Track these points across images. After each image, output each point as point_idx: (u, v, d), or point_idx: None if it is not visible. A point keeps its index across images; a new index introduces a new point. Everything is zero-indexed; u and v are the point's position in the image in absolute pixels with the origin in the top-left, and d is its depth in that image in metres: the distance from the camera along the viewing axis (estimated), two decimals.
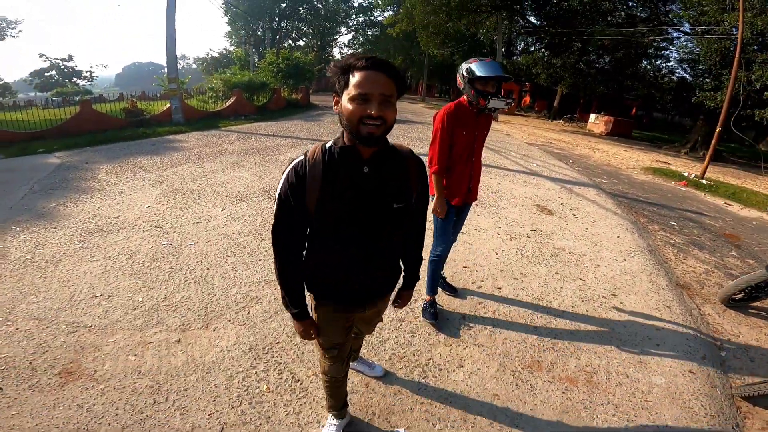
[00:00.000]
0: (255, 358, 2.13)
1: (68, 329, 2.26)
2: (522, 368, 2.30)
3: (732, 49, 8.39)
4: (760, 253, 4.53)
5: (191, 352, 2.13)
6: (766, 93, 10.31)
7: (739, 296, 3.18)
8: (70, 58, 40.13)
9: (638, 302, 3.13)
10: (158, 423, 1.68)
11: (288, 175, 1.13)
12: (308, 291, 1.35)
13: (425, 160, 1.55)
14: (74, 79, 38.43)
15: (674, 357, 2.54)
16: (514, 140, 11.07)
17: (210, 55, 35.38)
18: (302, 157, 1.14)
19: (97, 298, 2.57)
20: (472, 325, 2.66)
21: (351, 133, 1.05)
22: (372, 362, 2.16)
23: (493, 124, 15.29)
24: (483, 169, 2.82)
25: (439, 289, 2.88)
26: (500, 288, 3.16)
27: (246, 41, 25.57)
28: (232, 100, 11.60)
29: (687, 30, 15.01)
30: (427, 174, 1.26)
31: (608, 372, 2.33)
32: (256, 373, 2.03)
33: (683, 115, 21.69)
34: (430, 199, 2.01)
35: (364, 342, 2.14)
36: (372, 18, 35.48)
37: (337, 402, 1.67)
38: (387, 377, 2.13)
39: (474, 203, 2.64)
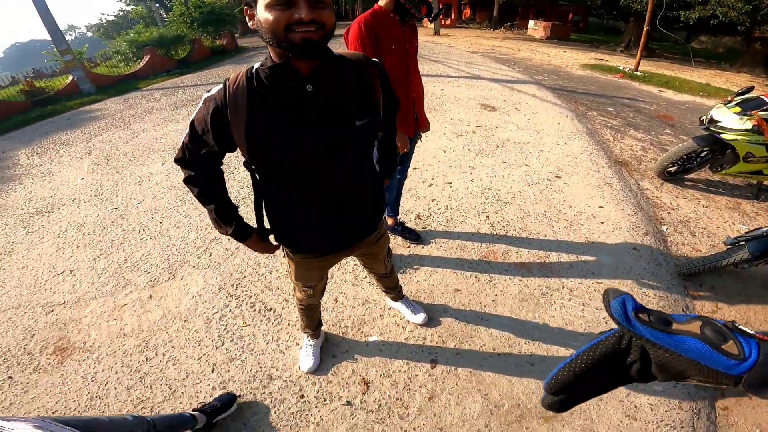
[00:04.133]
0: (226, 297, 2.16)
1: (44, 310, 2.23)
2: (479, 259, 2.36)
3: None
4: (692, 130, 4.68)
5: (165, 305, 2.15)
6: None
7: (674, 169, 3.28)
8: None
9: (580, 181, 3.28)
10: (156, 377, 1.74)
11: (203, 104, 0.91)
12: (276, 242, 1.21)
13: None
14: None
15: (618, 234, 2.58)
16: (456, 50, 10.76)
17: (105, 20, 32.13)
18: (220, 86, 0.90)
19: (60, 276, 2.50)
20: (426, 224, 2.74)
21: (280, 45, 0.78)
22: (417, 306, 1.97)
23: (435, 38, 14.64)
24: (424, 79, 2.48)
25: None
26: (451, 183, 3.29)
27: None
28: (146, 59, 10.36)
29: None
30: (389, 81, 1.06)
31: (559, 254, 2.39)
32: (230, 310, 2.07)
33: (616, 19, 22.16)
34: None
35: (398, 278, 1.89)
36: None
37: (312, 323, 1.67)
38: (354, 289, 2.15)
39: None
